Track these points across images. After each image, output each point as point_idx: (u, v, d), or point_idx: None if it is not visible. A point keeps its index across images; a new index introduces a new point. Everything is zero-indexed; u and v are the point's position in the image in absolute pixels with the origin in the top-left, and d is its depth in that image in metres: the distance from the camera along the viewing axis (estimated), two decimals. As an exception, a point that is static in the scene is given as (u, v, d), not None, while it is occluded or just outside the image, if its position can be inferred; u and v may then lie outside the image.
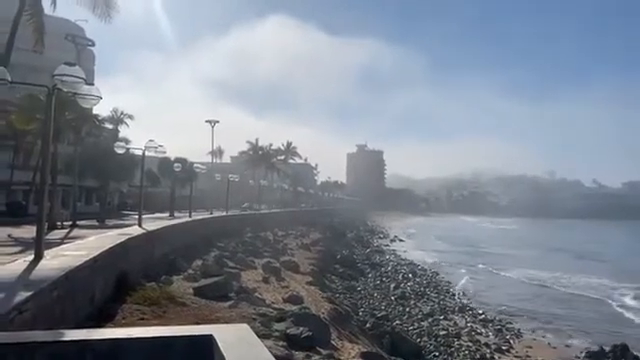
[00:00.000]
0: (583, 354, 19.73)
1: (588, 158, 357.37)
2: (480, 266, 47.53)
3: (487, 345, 20.31)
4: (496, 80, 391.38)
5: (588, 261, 52.62)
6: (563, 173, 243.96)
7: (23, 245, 15.77)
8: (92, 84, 12.07)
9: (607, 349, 19.99)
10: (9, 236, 20.51)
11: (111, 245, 12.01)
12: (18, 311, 5.83)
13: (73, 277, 8.03)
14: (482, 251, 62.31)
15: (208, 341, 4.23)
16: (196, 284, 14.53)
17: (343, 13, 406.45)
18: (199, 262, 19.21)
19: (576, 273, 42.47)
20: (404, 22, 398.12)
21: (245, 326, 4.88)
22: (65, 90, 9.74)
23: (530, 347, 20.67)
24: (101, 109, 39.38)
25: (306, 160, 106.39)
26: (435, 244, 70.36)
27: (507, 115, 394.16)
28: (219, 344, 4.01)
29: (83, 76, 9.42)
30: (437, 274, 40.38)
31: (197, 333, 4.57)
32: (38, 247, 9.29)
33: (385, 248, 61.76)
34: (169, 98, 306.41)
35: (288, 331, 10.97)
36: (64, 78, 9.22)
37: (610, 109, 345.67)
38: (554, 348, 21.04)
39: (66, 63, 9.46)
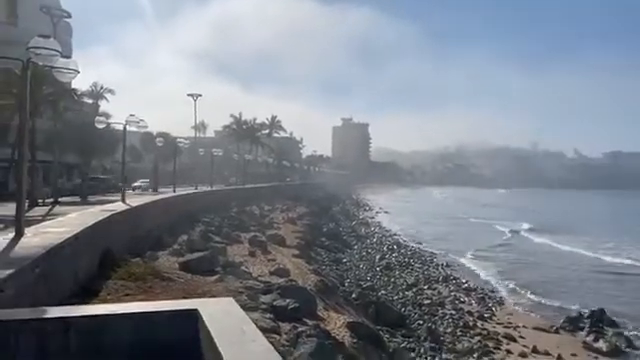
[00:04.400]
0: (562, 320, 20.32)
1: (570, 129, 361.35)
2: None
3: (470, 313, 20.79)
4: (485, 51, 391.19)
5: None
6: (545, 144, 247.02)
7: (3, 223, 15.51)
8: (69, 57, 11.74)
9: (585, 314, 20.65)
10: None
11: (94, 221, 11.87)
12: (-1, 289, 5.76)
13: (55, 254, 7.94)
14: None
15: (193, 315, 4.24)
16: (182, 259, 14.51)
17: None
18: (184, 237, 19.15)
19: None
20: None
21: (230, 299, 4.90)
22: (40, 64, 9.44)
23: (511, 314, 21.22)
24: (80, 83, 38.54)
25: (291, 134, 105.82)
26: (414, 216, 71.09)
27: (492, 85, 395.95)
28: (204, 318, 4.02)
29: (59, 49, 9.10)
30: (420, 244, 41.14)
31: (182, 308, 4.58)
32: (18, 224, 9.15)
33: (370, 220, 62.30)
34: (151, 70, 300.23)
35: (275, 303, 11.08)
36: (39, 51, 8.90)
37: (596, 79, 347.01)
38: (534, 314, 21.63)
39: (40, 35, 9.13)
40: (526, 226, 56.63)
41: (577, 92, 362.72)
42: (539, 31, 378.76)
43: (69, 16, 50.07)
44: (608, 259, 35.65)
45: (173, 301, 6.44)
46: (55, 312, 4.51)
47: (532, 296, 24.64)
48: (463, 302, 22.73)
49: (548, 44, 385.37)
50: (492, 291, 25.37)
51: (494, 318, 20.55)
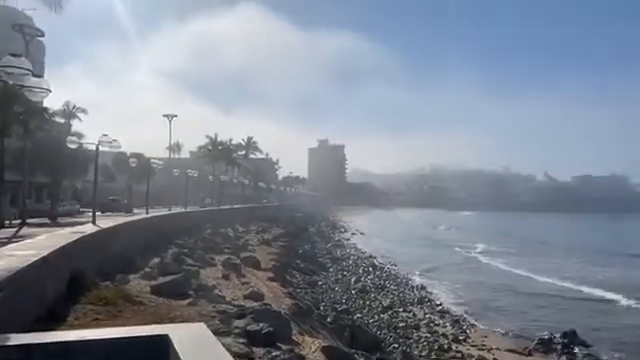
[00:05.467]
0: (535, 342, 20.54)
1: (542, 153, 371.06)
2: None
3: (445, 335, 20.85)
4: (460, 77, 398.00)
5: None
6: (517, 167, 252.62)
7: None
8: (41, 76, 11.59)
9: (557, 335, 20.93)
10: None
11: (63, 244, 11.58)
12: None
13: (21, 278, 7.70)
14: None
15: (164, 341, 4.16)
16: (154, 282, 14.24)
17: (313, 4, 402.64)
18: (157, 260, 18.78)
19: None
20: (375, 15, 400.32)
21: (201, 325, 4.83)
22: (11, 82, 9.31)
23: (485, 336, 21.36)
24: (53, 102, 37.95)
25: (267, 155, 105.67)
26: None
27: (468, 110, 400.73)
28: (175, 344, 3.95)
29: (30, 68, 9.01)
30: (396, 266, 41.31)
31: (152, 333, 4.48)
32: (-17, 247, 8.87)
33: (346, 242, 62.31)
34: (127, 90, 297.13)
35: (248, 328, 10.89)
36: (10, 70, 8.80)
37: (568, 106, 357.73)
38: (508, 336, 21.82)
39: (11, 54, 9.03)
40: (482, 248, 59.62)
41: (550, 118, 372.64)
42: (513, 60, 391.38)
43: (42, 35, 49.60)
44: (566, 284, 35.05)
45: (143, 326, 6.29)
46: (20, 339, 4.36)
47: (495, 315, 25.13)
48: (438, 325, 22.80)
49: (522, 73, 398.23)
50: (466, 312, 25.61)
51: (468, 340, 20.65)
